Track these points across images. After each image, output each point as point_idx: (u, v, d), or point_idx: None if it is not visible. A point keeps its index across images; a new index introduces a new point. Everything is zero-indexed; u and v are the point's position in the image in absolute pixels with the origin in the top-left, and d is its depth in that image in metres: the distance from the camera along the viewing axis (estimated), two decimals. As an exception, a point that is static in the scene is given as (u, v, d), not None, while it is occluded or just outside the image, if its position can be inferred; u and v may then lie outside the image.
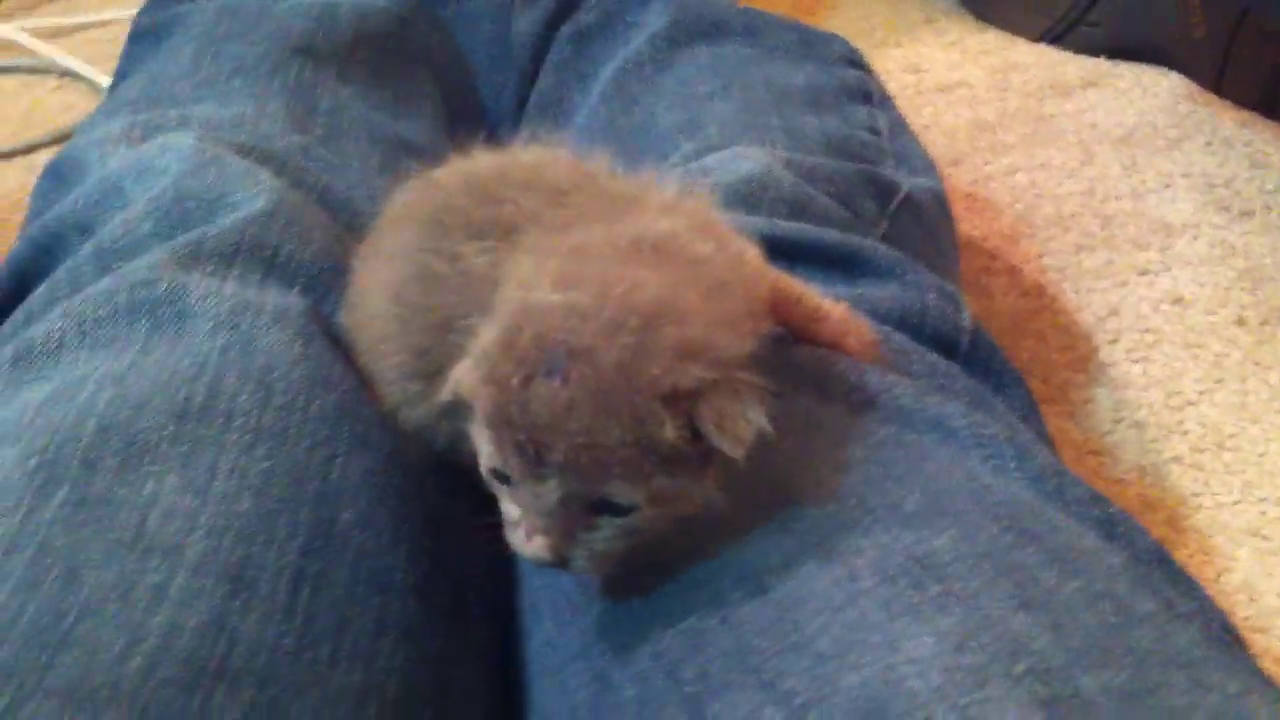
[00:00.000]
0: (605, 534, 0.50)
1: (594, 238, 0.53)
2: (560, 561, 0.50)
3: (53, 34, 1.55)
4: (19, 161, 1.32)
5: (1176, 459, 0.97)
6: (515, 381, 0.48)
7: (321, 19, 0.99)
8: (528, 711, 0.58)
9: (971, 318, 0.73)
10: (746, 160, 0.78)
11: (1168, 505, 0.94)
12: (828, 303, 0.63)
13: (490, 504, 0.62)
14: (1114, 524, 0.57)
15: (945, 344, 0.71)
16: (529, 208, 0.58)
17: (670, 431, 0.48)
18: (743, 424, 0.48)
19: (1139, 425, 1.00)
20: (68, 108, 1.41)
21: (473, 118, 1.14)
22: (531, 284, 0.50)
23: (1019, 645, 0.46)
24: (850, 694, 0.46)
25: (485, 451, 0.50)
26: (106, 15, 1.59)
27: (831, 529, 0.52)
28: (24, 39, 1.50)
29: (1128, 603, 0.49)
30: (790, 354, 0.62)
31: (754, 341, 0.52)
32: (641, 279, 0.50)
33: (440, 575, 0.59)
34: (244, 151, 0.77)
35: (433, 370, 0.58)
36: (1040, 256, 1.16)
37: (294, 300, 0.66)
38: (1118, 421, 1.00)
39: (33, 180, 1.26)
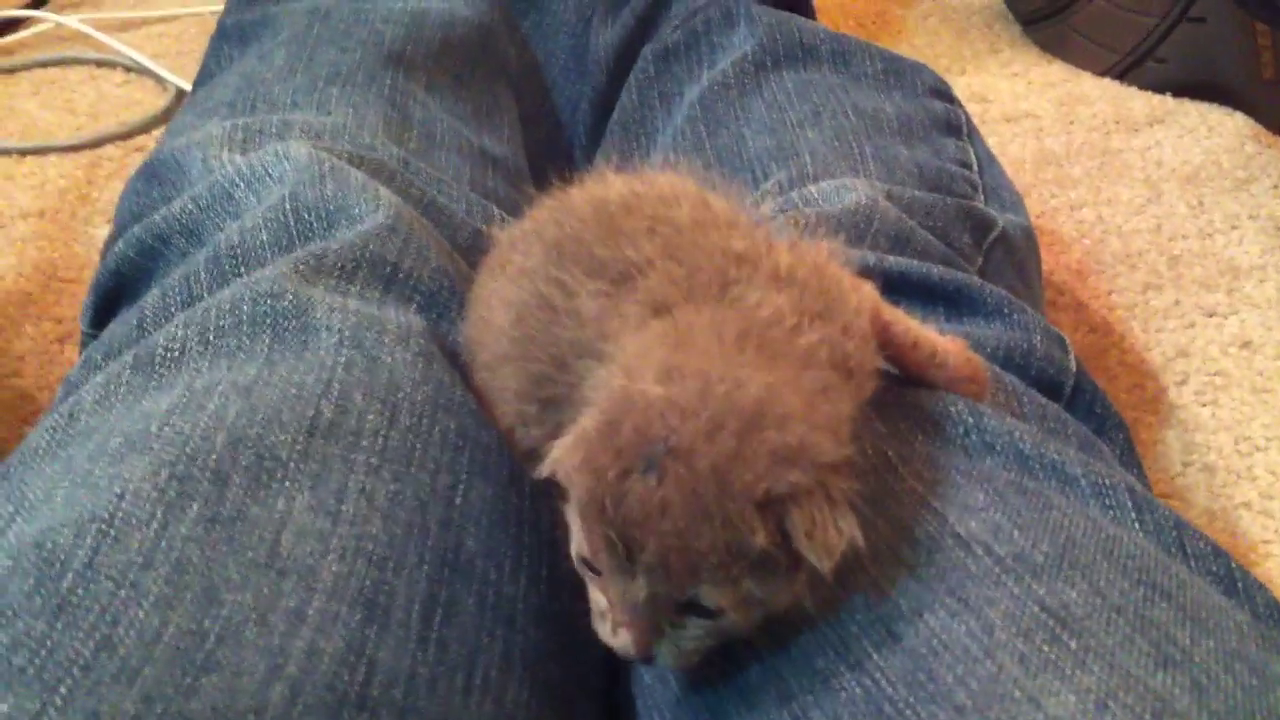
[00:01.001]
0: (692, 633, 0.50)
1: (702, 324, 0.53)
2: (646, 659, 0.50)
3: (120, 27, 1.55)
4: (85, 155, 1.31)
5: (1246, 505, 0.97)
6: (612, 475, 0.47)
7: (411, 27, 0.99)
8: None
9: (1076, 360, 0.73)
10: (852, 191, 0.78)
11: (1238, 551, 0.94)
12: (943, 341, 0.63)
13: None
14: (1234, 579, 0.57)
15: (1050, 387, 0.71)
16: (646, 257, 0.57)
17: (761, 538, 0.47)
18: (833, 533, 0.48)
19: (1208, 469, 1.00)
20: (134, 102, 1.41)
21: (547, 131, 1.14)
22: (636, 372, 0.50)
23: (1162, 706, 0.46)
24: None
25: (576, 539, 0.50)
26: (175, 10, 1.59)
27: (961, 578, 0.52)
28: (91, 32, 1.50)
29: (1260, 664, 0.49)
30: (906, 395, 0.62)
31: (853, 446, 0.51)
32: (744, 379, 0.49)
33: (556, 605, 0.59)
34: (355, 162, 0.76)
35: (545, 397, 0.59)
36: (1108, 294, 1.16)
37: (413, 319, 0.66)
38: (1187, 464, 1.00)
39: (98, 174, 1.28)
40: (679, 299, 0.54)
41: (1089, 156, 1.34)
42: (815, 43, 1.00)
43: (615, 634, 0.50)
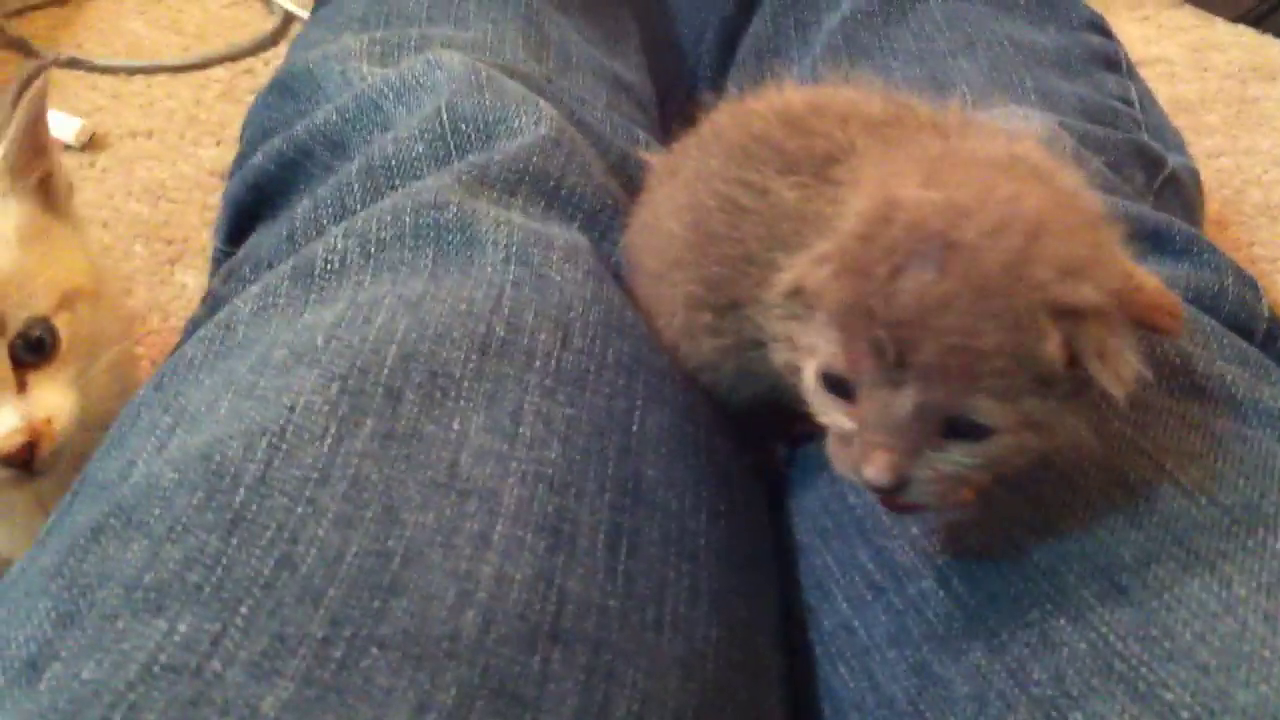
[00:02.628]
0: (954, 458, 0.44)
1: (959, 149, 0.48)
2: (899, 484, 0.44)
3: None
4: (192, 76, 1.28)
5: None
6: (882, 270, 0.43)
7: None
8: (820, 696, 0.55)
9: (1267, 305, 0.69)
10: (1027, 120, 0.74)
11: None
12: (1140, 271, 0.59)
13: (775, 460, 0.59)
14: None
15: (1241, 331, 0.66)
16: (845, 140, 0.53)
17: (1053, 347, 0.42)
18: (1126, 361, 0.43)
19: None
20: (241, 24, 1.38)
21: (673, 60, 1.10)
22: (894, 182, 0.45)
23: None
24: (1246, 713, 0.42)
25: (826, 354, 0.45)
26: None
27: (1187, 528, 0.48)
28: (194, -48, 1.47)
29: None
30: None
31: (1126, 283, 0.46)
32: (1022, 190, 0.45)
33: (738, 540, 0.56)
34: (508, 74, 0.73)
35: (723, 303, 0.55)
36: (1250, 245, 1.11)
37: (578, 236, 0.62)
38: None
39: (206, 95, 1.25)
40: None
41: (1225, 104, 1.28)
42: None
43: (867, 458, 0.44)
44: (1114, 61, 0.91)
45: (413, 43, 0.78)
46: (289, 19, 1.36)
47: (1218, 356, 0.59)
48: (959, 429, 0.44)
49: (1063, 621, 0.47)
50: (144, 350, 0.94)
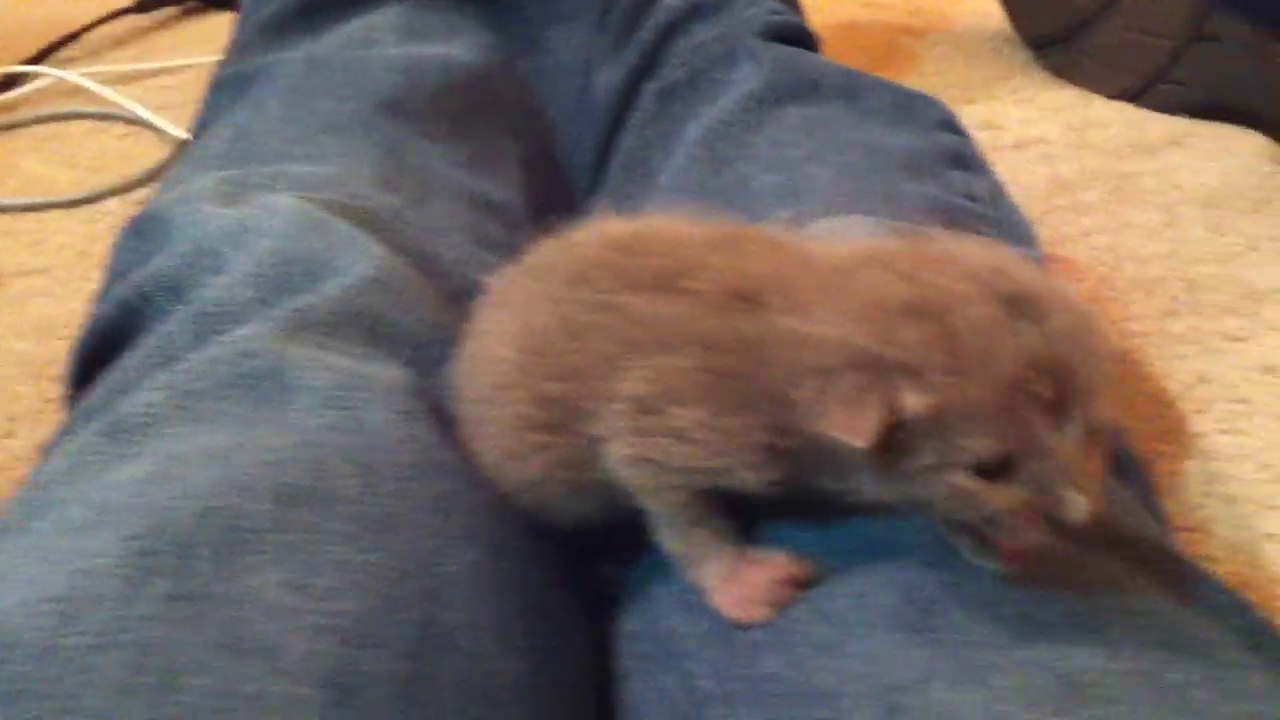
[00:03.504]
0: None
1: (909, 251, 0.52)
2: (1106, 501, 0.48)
3: (120, 80, 1.54)
4: (85, 210, 1.30)
5: (1270, 536, 0.94)
6: (996, 341, 0.46)
7: (408, 73, 0.98)
8: None
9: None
10: (855, 229, 0.77)
11: (1262, 585, 0.91)
12: None
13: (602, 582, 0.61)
14: (1257, 634, 0.55)
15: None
16: (692, 256, 0.56)
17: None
18: None
19: (1230, 500, 0.97)
20: (135, 155, 1.40)
21: (550, 173, 1.13)
22: (876, 286, 0.49)
23: None
24: None
25: (979, 447, 0.47)
26: (176, 61, 1.58)
27: (964, 642, 0.50)
28: (91, 85, 1.49)
29: None
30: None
31: None
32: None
33: (547, 676, 0.57)
34: (344, 213, 0.75)
35: (555, 421, 0.57)
36: (1125, 321, 1.14)
37: (400, 374, 0.64)
38: (1208, 496, 0.98)
39: (99, 229, 1.27)
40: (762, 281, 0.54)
41: (1103, 182, 1.31)
42: (821, 78, 0.99)
43: (1069, 499, 0.47)
44: (963, 158, 0.94)
45: (264, 181, 0.80)
46: (184, 147, 1.38)
47: None
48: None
49: None
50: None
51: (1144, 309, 1.15)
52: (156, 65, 1.58)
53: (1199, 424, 1.04)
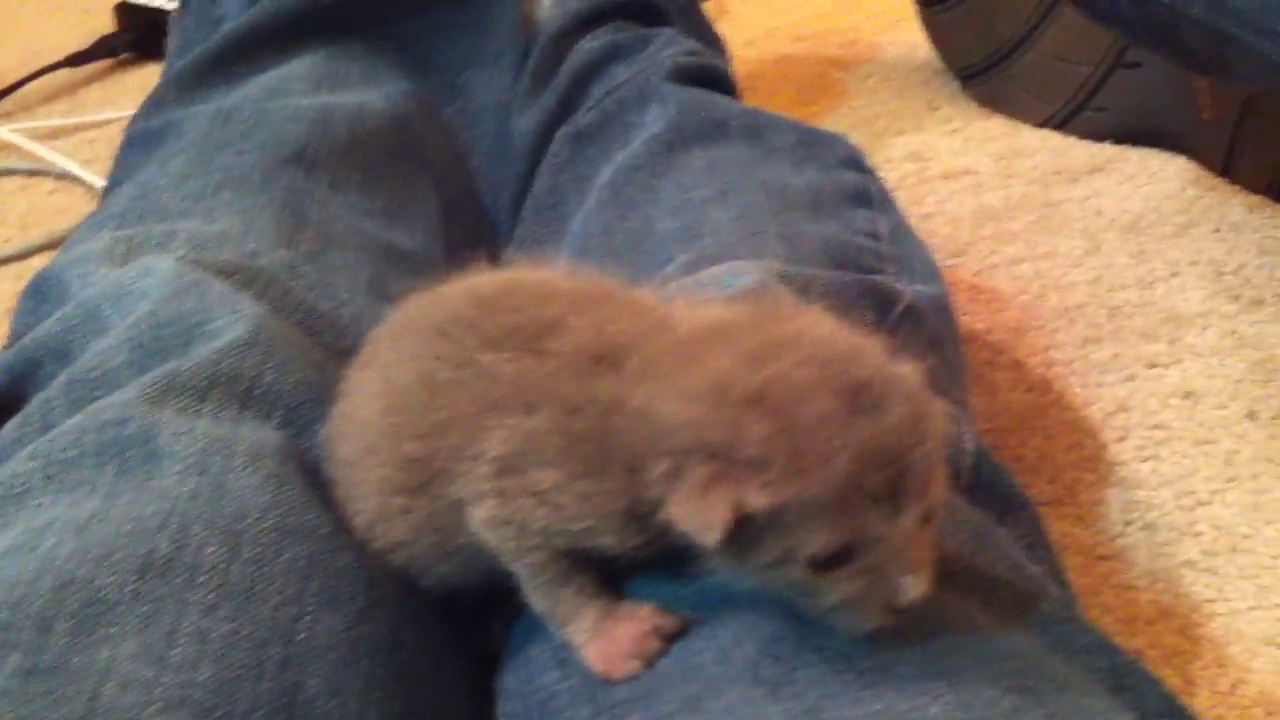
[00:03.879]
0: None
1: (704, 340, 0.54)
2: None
3: (50, 135, 1.54)
4: (13, 268, 1.30)
5: (1189, 563, 0.95)
6: (836, 438, 0.48)
7: (315, 123, 0.98)
8: None
9: (976, 439, 0.71)
10: (743, 276, 0.77)
11: (1181, 613, 0.92)
12: None
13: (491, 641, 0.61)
14: (1122, 675, 0.55)
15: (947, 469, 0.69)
16: (553, 316, 0.57)
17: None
18: None
19: (1150, 527, 0.98)
20: (64, 210, 1.40)
21: (472, 218, 1.13)
22: (723, 372, 0.50)
23: None
24: None
25: (818, 540, 0.49)
26: (106, 115, 1.58)
27: (820, 696, 0.50)
28: (20, 140, 1.49)
29: None
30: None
31: None
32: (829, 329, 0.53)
33: None
34: (227, 272, 0.75)
35: (418, 483, 0.58)
36: (1047, 350, 1.15)
37: (269, 435, 0.64)
38: (1128, 524, 0.98)
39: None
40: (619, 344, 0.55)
41: (1028, 210, 1.32)
42: (726, 119, 0.99)
43: (904, 584, 0.49)
44: (866, 197, 0.94)
45: (157, 240, 0.80)
46: (106, 201, 1.39)
47: None
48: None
49: None
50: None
51: (1066, 337, 1.16)
52: (87, 119, 1.59)
53: (1119, 452, 1.04)
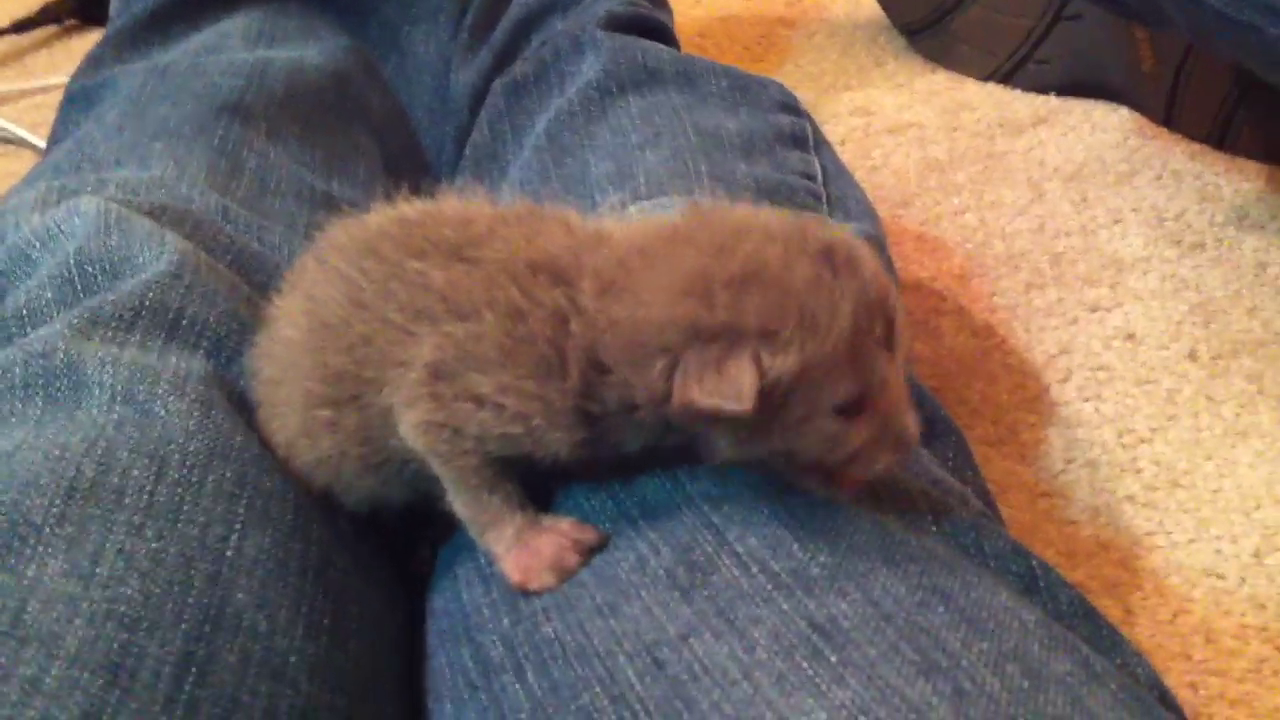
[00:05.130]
0: None
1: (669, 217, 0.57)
2: None
3: (-3, 100, 1.54)
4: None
5: (1130, 498, 0.96)
6: (835, 295, 0.51)
7: (251, 76, 0.98)
8: None
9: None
10: (671, 209, 0.77)
11: (1121, 546, 0.92)
12: None
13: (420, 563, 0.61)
14: (1034, 578, 0.56)
15: None
16: (481, 229, 0.58)
17: None
18: None
19: (1091, 465, 0.99)
20: (13, 175, 1.39)
21: (415, 171, 1.13)
22: (700, 260, 0.52)
23: (918, 715, 0.44)
24: None
25: (841, 389, 0.52)
26: (52, 80, 1.56)
27: (732, 597, 0.50)
28: (-34, 105, 1.49)
29: (1039, 664, 0.48)
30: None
31: None
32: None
33: (342, 654, 0.57)
34: (155, 213, 0.75)
35: (344, 396, 0.58)
36: (991, 296, 1.15)
37: (195, 364, 0.64)
38: (1070, 462, 0.99)
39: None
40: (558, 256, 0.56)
41: (972, 161, 1.33)
42: (659, 65, 0.99)
43: (907, 428, 0.54)
44: (800, 138, 0.94)
45: (89, 187, 0.80)
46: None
47: None
48: None
49: (605, 702, 0.49)
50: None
51: (1010, 283, 1.16)
52: (34, 85, 1.57)
53: (1061, 393, 1.05)
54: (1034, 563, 0.56)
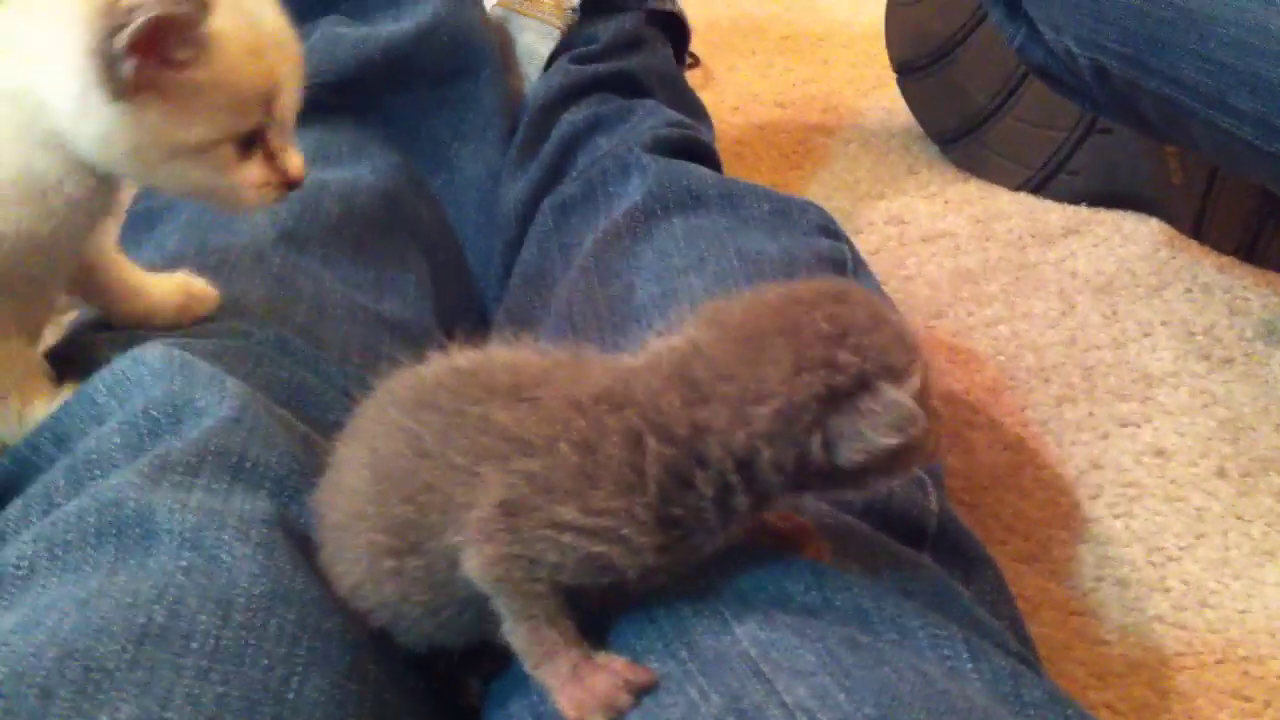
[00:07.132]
0: None
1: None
2: None
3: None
4: None
5: (1159, 618, 0.97)
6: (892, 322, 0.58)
7: (306, 202, 1.02)
8: None
9: (938, 501, 0.74)
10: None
11: (1150, 666, 0.94)
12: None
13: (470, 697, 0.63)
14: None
15: (912, 529, 0.72)
16: (533, 374, 0.61)
17: None
18: None
19: (1121, 583, 1.00)
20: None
21: (461, 286, 1.16)
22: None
23: None
24: None
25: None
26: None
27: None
28: None
29: None
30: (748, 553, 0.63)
31: None
32: None
33: None
34: (215, 355, 0.78)
35: (407, 548, 0.60)
36: (1022, 409, 1.17)
37: (259, 505, 0.67)
38: (1100, 579, 1.01)
39: None
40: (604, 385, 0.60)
41: (1005, 272, 1.35)
42: (704, 188, 1.03)
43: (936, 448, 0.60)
44: (840, 262, 0.97)
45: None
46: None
47: (864, 565, 0.64)
48: None
49: None
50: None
51: (1042, 396, 1.19)
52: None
53: (1092, 509, 1.07)
54: (1070, 712, 0.58)
